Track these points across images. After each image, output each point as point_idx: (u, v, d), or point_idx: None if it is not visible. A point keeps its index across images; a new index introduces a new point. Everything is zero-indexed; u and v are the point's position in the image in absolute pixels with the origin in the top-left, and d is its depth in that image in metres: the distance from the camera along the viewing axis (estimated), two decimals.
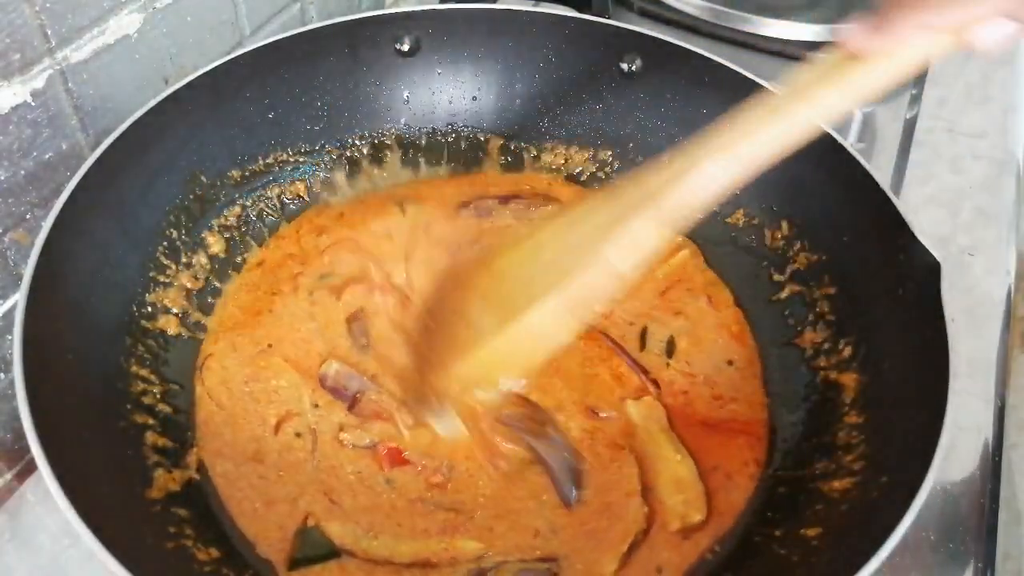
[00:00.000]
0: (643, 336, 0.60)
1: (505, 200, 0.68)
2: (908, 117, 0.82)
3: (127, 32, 0.57)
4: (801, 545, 0.47)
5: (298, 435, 0.53)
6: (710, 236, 0.66)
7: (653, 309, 0.62)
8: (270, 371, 0.56)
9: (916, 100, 0.84)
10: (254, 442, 0.53)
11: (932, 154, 0.78)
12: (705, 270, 0.65)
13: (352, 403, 0.55)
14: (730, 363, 0.59)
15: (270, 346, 0.58)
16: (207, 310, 0.59)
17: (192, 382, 0.56)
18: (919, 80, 0.86)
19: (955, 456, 0.57)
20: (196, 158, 0.60)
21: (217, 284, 0.61)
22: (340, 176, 0.68)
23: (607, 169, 0.70)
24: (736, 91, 0.63)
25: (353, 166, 0.69)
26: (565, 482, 0.52)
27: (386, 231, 0.65)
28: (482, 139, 0.71)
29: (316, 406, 0.55)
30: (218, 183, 0.62)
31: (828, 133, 0.58)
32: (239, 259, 0.62)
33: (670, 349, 0.59)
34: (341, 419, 0.54)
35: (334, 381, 0.56)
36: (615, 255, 0.42)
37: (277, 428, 0.54)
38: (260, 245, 0.64)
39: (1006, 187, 0.76)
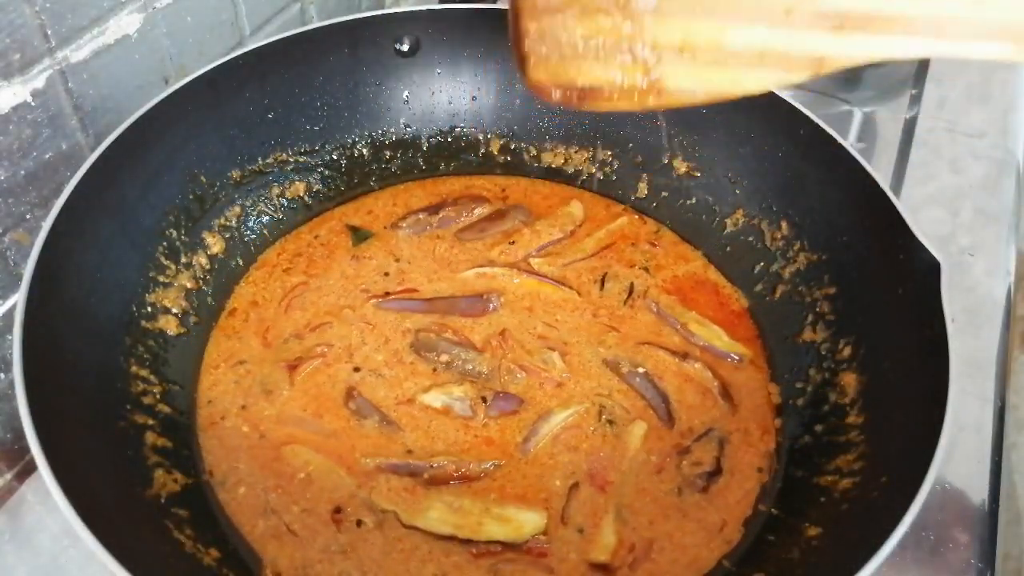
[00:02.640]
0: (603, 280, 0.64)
1: (434, 210, 0.68)
2: (908, 117, 0.82)
3: (127, 32, 0.57)
4: (801, 544, 0.47)
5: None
6: (710, 236, 0.66)
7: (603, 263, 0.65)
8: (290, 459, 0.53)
9: (916, 100, 0.84)
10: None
11: (932, 154, 0.79)
12: (645, 223, 0.68)
13: None
14: (738, 360, 0.59)
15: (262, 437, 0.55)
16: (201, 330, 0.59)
17: (192, 389, 0.56)
18: (919, 80, 0.87)
19: (955, 456, 0.57)
20: (196, 158, 0.60)
21: (210, 301, 0.60)
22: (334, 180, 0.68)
23: (607, 169, 0.70)
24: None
25: (354, 166, 0.69)
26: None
27: (340, 272, 0.64)
28: (482, 139, 0.71)
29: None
30: (218, 183, 0.62)
31: (828, 133, 0.58)
32: (215, 303, 0.60)
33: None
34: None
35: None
36: None
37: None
38: (236, 284, 0.62)
39: (1006, 187, 0.76)
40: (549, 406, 0.56)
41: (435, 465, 0.53)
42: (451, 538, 0.50)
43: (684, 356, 0.59)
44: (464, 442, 0.54)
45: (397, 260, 0.64)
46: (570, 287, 0.63)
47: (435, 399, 0.56)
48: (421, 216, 0.67)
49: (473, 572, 0.48)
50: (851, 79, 0.86)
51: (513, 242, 0.65)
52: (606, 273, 0.64)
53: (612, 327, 0.61)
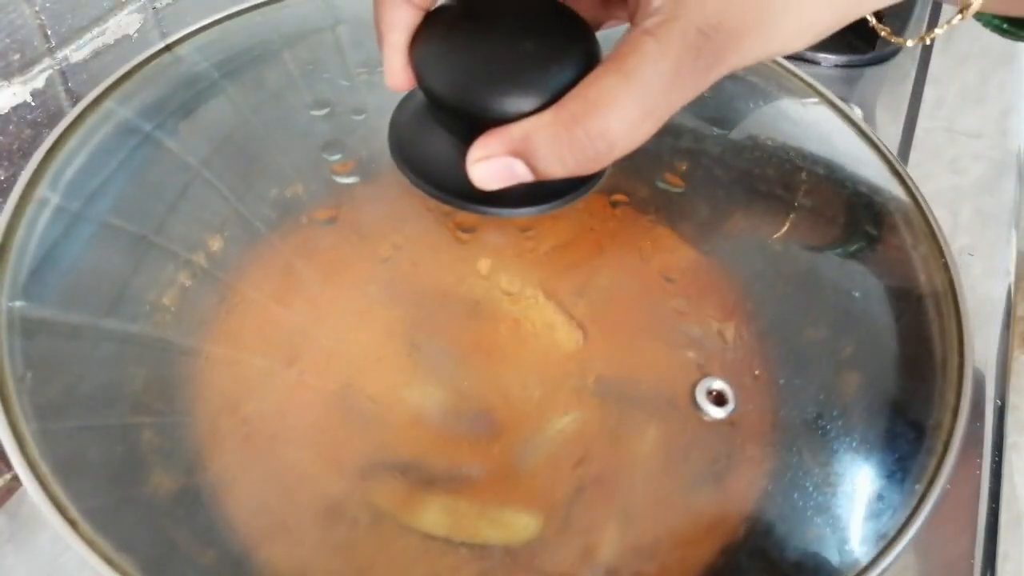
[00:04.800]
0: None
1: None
2: (907, 117, 0.83)
3: (127, 32, 0.57)
4: (799, 540, 0.47)
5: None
6: (709, 234, 0.66)
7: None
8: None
9: (915, 100, 0.84)
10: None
11: (931, 154, 0.79)
12: (644, 222, 0.63)
13: None
14: (732, 348, 0.59)
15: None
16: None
17: (191, 387, 0.56)
18: (918, 79, 0.87)
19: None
20: None
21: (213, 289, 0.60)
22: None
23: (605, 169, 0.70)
24: (736, 90, 0.64)
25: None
26: None
27: (346, 263, 0.63)
28: None
29: None
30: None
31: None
32: (214, 301, 0.60)
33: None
34: None
35: None
36: None
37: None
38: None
39: (1005, 187, 0.76)
40: (529, 432, 0.55)
41: (425, 465, 0.53)
42: (446, 539, 0.50)
43: (676, 343, 0.59)
44: (451, 446, 0.54)
45: (404, 252, 0.64)
46: (578, 325, 0.61)
47: (415, 396, 0.56)
48: (431, 209, 0.67)
49: (467, 573, 0.48)
50: (851, 78, 0.86)
51: (520, 248, 0.65)
52: (590, 279, 0.64)
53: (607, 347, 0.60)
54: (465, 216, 0.56)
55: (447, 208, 0.49)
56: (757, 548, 0.48)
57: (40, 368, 0.42)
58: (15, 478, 0.57)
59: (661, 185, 0.64)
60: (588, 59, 0.34)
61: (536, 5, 0.35)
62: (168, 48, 0.54)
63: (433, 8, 0.36)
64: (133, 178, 0.52)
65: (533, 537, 0.51)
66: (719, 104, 0.65)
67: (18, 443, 0.39)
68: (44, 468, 0.40)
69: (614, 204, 0.69)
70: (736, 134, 0.64)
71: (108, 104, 0.50)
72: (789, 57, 0.92)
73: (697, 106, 0.65)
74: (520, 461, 0.55)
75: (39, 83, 0.51)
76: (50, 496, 0.39)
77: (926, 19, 0.94)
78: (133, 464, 0.49)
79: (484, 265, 0.64)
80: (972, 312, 0.68)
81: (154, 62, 0.53)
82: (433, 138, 0.41)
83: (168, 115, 0.53)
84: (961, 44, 0.91)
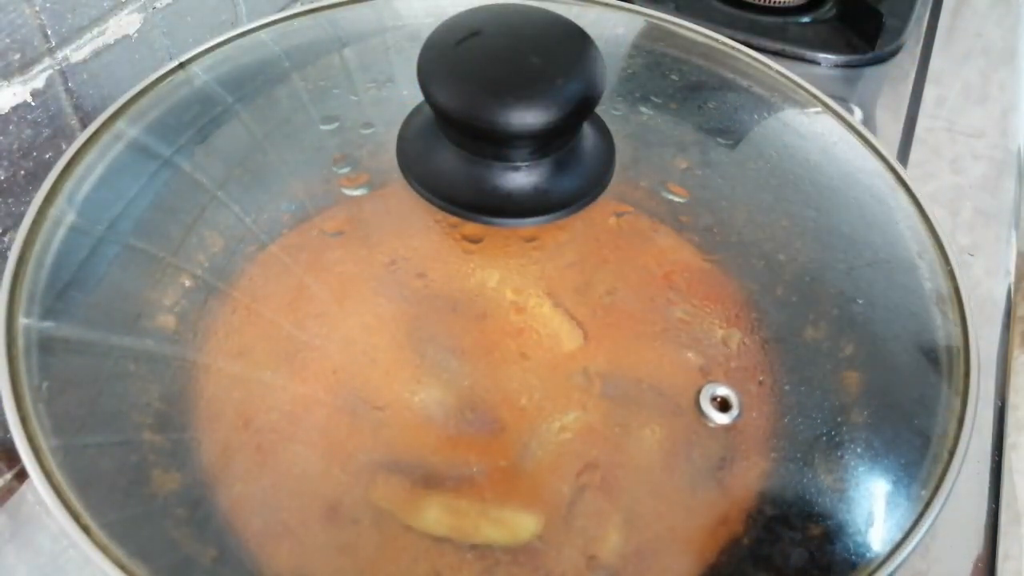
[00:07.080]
0: None
1: None
2: (908, 117, 0.82)
3: (127, 32, 0.57)
4: (804, 545, 0.47)
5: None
6: (709, 233, 0.66)
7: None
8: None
9: (916, 100, 0.84)
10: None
11: (932, 154, 0.79)
12: (645, 222, 0.63)
13: None
14: (732, 348, 0.59)
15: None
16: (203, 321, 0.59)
17: (191, 387, 0.56)
18: (919, 79, 0.87)
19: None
20: None
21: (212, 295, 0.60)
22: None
23: None
24: (739, 101, 0.64)
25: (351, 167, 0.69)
26: None
27: (347, 261, 0.62)
28: None
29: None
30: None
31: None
32: (215, 301, 0.60)
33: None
34: None
35: None
36: None
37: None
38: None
39: (1006, 187, 0.76)
40: (532, 433, 0.55)
41: (426, 465, 0.52)
42: (448, 539, 0.49)
43: (680, 349, 0.58)
44: (454, 446, 0.54)
45: (412, 262, 0.64)
46: (583, 332, 0.60)
47: (420, 400, 0.56)
48: (438, 220, 0.67)
49: (467, 572, 0.48)
50: (851, 78, 0.86)
51: (526, 258, 0.65)
52: (596, 287, 0.63)
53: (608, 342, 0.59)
54: (471, 227, 0.56)
55: (454, 219, 0.49)
56: (760, 553, 0.48)
57: (56, 381, 0.42)
58: (15, 478, 0.57)
59: (665, 195, 0.64)
60: (592, 74, 0.34)
61: (540, 20, 0.35)
62: (182, 66, 0.54)
63: (440, 24, 0.36)
64: (147, 196, 0.52)
65: (534, 537, 0.51)
66: (722, 114, 0.65)
67: (35, 455, 0.40)
68: (60, 478, 0.40)
69: (619, 214, 0.69)
70: (739, 143, 0.64)
71: (121, 123, 0.50)
72: (790, 58, 0.93)
73: (700, 116, 0.66)
74: (522, 461, 0.54)
75: (39, 83, 0.51)
76: (64, 504, 0.39)
77: (926, 18, 0.94)
78: (145, 473, 0.49)
79: (491, 275, 0.64)
80: (972, 312, 0.68)
81: (167, 80, 0.53)
82: (440, 151, 0.41)
83: (180, 133, 0.53)
84: (961, 43, 0.91)
